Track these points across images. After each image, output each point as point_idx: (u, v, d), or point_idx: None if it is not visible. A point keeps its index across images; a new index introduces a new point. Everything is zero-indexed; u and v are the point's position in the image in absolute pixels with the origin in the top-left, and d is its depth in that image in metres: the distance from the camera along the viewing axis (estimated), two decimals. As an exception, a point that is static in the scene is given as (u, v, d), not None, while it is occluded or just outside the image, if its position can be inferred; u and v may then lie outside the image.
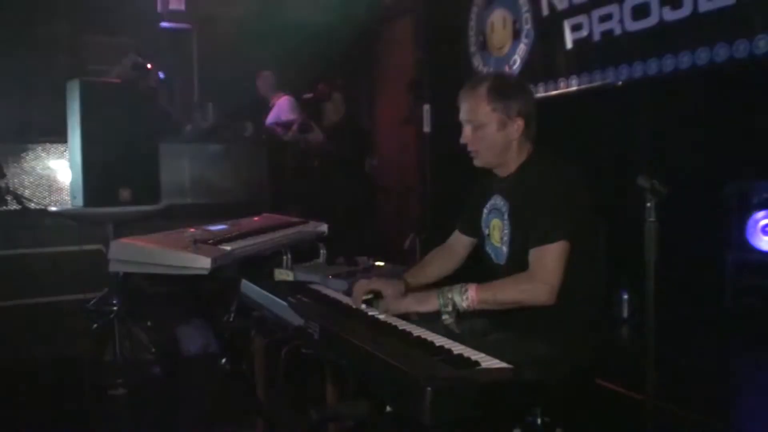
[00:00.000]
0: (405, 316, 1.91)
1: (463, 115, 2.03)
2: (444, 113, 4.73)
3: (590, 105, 3.86)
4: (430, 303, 1.85)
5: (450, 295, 1.83)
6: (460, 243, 2.29)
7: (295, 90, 5.47)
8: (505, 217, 2.01)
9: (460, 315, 1.84)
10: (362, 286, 2.02)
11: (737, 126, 3.16)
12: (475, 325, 2.02)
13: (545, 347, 1.81)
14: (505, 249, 2.02)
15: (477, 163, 2.06)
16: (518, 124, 1.98)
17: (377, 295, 2.01)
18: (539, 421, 1.55)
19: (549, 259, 1.82)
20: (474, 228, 2.21)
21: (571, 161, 1.98)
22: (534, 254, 1.85)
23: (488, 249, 2.11)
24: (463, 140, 2.03)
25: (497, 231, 2.05)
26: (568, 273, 1.84)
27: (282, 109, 5.37)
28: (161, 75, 5.06)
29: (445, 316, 1.83)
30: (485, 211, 2.11)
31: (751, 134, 3.10)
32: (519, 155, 2.02)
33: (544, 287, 1.80)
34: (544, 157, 2.01)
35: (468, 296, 1.82)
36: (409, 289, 2.07)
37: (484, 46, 4.80)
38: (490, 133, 1.98)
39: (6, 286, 4.08)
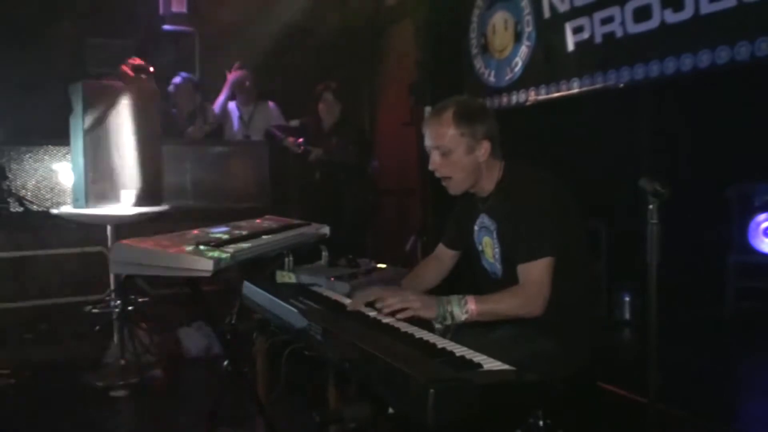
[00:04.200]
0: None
1: (429, 142, 2.05)
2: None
3: (592, 107, 3.86)
4: (430, 310, 1.87)
5: (449, 308, 1.86)
6: (446, 255, 2.35)
7: (295, 92, 5.47)
8: (494, 236, 2.06)
9: (452, 326, 1.87)
10: (362, 298, 1.99)
11: (739, 128, 3.16)
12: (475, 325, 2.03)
13: (547, 349, 1.85)
14: (499, 266, 2.07)
15: (452, 191, 2.09)
16: (485, 147, 2.01)
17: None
18: (541, 423, 1.55)
19: (537, 275, 1.88)
20: (459, 241, 2.28)
21: (544, 168, 2.02)
22: (522, 270, 1.91)
23: (485, 264, 2.16)
24: (431, 167, 2.05)
25: (489, 248, 2.10)
26: (561, 279, 1.89)
27: (274, 115, 5.37)
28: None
29: (438, 326, 1.85)
30: (476, 228, 2.15)
31: (753, 137, 3.10)
32: (491, 174, 2.05)
33: (536, 301, 1.87)
34: (520, 171, 2.04)
35: (468, 309, 1.86)
36: None
37: (485, 48, 4.81)
38: (459, 158, 2.00)
39: (8, 287, 4.09)
